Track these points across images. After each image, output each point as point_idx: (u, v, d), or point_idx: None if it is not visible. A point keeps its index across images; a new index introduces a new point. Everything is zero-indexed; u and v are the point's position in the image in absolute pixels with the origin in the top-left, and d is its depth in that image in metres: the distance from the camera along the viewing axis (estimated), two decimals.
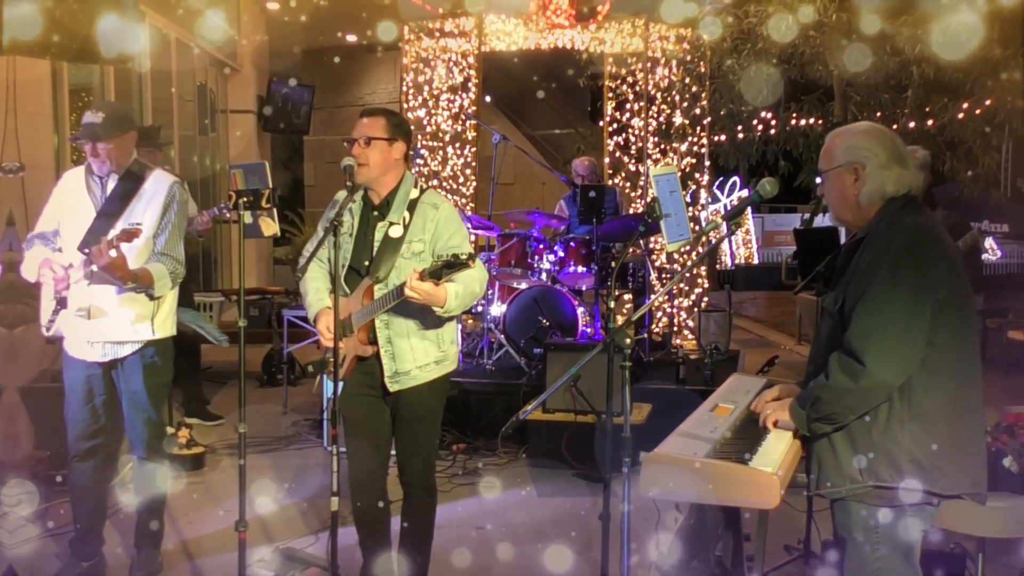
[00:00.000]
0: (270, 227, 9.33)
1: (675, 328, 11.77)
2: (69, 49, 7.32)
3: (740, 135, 16.33)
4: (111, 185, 5.70)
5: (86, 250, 5.48)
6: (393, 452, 5.40)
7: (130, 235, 5.34)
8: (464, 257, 4.56)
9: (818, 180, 4.16)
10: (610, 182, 12.22)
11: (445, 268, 4.58)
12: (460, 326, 10.30)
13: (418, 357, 5.13)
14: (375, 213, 5.15)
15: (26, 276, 5.69)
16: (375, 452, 5.28)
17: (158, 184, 5.77)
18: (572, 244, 9.91)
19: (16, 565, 5.60)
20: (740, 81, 15.35)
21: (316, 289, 5.27)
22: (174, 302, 5.93)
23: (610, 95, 12.65)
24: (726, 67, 15.18)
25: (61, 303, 5.62)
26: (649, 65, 12.01)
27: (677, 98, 12.23)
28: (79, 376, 5.78)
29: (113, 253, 5.32)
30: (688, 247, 10.89)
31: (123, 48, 7.67)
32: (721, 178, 24.49)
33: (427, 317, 5.06)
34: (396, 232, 5.08)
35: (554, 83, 21.97)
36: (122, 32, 7.52)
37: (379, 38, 19.02)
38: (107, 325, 5.65)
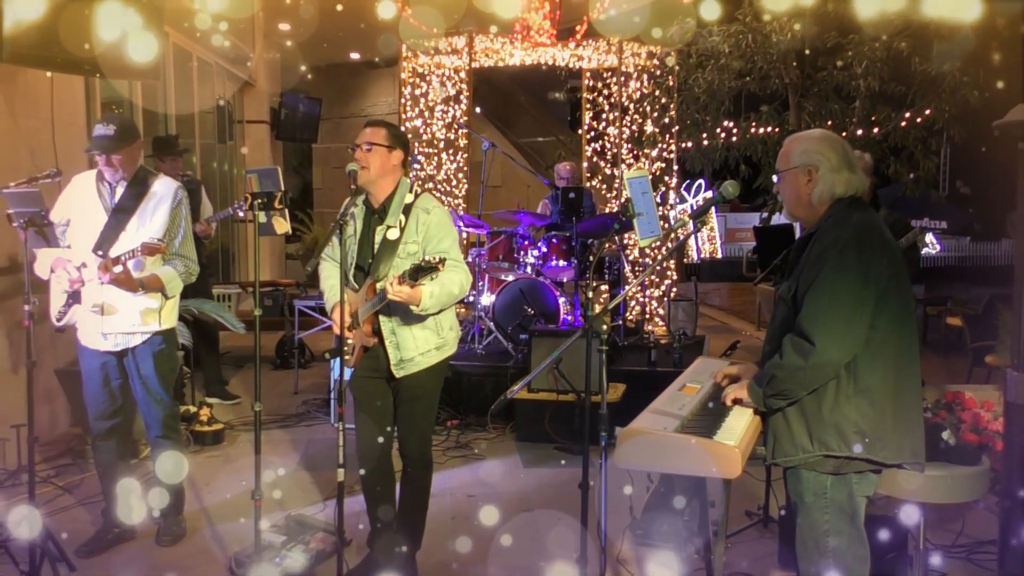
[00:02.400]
0: (282, 226, 9.30)
1: (647, 316, 11.78)
2: (101, 66, 7.32)
3: (705, 142, 16.31)
4: (120, 190, 5.70)
5: (99, 252, 5.49)
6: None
7: (153, 250, 5.38)
8: (434, 261, 4.59)
9: (775, 179, 4.16)
10: (587, 185, 12.23)
11: (418, 272, 4.62)
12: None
13: (420, 345, 5.16)
14: (375, 217, 5.17)
15: (39, 273, 5.66)
16: (380, 427, 5.31)
17: (164, 189, 5.78)
18: (554, 240, 9.94)
19: (54, 531, 5.59)
20: (704, 93, 15.35)
21: (331, 286, 5.28)
22: (178, 297, 5.94)
23: (588, 106, 12.66)
24: (692, 81, 15.19)
25: (74, 297, 5.65)
26: (623, 79, 12.01)
27: (648, 109, 12.24)
28: (95, 364, 5.81)
29: (118, 269, 5.35)
30: (658, 243, 10.88)
31: (150, 65, 7.67)
32: (688, 181, 24.45)
33: None
34: (393, 235, 5.10)
35: (537, 95, 21.94)
36: (149, 51, 7.51)
37: (380, 56, 19.08)
38: (119, 318, 5.67)
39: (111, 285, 5.47)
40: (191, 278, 5.85)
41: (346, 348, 5.10)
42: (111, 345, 5.74)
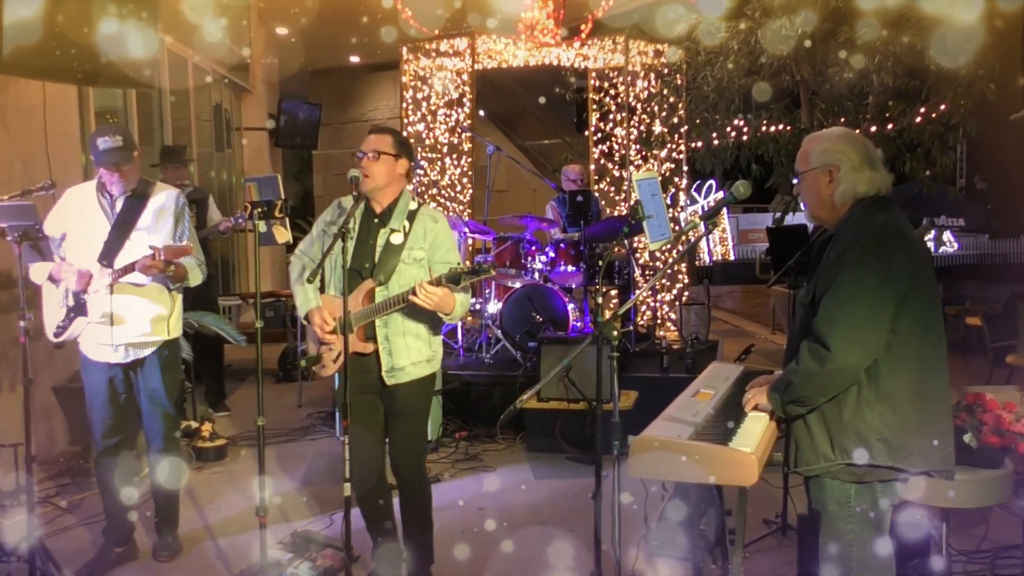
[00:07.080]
0: (283, 235, 9.31)
1: (658, 321, 11.75)
2: (95, 74, 7.33)
3: (715, 141, 16.31)
4: (120, 202, 5.72)
5: (103, 263, 5.50)
6: None
7: (180, 252, 5.43)
8: (486, 266, 4.69)
9: (795, 181, 4.12)
10: (596, 188, 12.21)
11: (466, 275, 4.69)
12: (460, 323, 10.29)
13: (412, 355, 5.17)
14: (376, 221, 5.18)
15: (33, 279, 5.66)
16: (373, 442, 5.30)
17: (166, 198, 5.82)
18: (562, 245, 9.92)
19: (55, 552, 5.58)
20: (714, 91, 15.34)
21: (305, 290, 5.28)
22: (181, 306, 6.00)
23: (594, 107, 12.62)
24: (700, 79, 15.18)
25: (77, 310, 5.65)
26: (629, 78, 11.99)
27: (656, 108, 12.22)
28: (102, 378, 5.80)
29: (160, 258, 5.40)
30: (669, 245, 10.85)
31: (144, 73, 7.67)
32: (698, 181, 24.53)
33: (421, 319, 5.12)
34: (397, 239, 5.12)
35: (542, 97, 21.94)
36: (143, 58, 7.52)
37: (380, 58, 19.09)
38: (129, 328, 5.68)
39: (143, 275, 5.51)
40: (204, 274, 5.90)
41: (326, 353, 5.15)
42: (121, 357, 5.74)
